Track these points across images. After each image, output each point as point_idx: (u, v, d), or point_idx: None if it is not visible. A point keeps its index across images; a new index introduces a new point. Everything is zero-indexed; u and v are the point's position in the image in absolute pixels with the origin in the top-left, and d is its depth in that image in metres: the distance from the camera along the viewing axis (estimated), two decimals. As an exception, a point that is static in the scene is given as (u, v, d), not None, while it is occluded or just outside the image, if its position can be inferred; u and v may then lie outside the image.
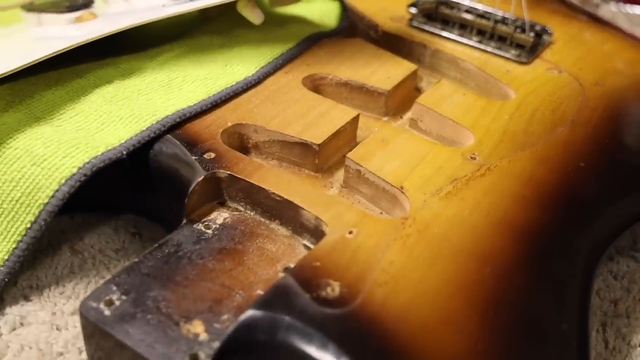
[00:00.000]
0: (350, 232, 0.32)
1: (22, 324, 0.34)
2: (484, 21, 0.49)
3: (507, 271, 0.31)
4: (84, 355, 0.33)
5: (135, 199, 0.40)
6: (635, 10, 0.69)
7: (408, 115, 0.43)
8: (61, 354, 0.33)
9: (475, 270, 0.31)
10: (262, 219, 0.35)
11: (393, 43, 0.50)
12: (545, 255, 0.33)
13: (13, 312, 0.35)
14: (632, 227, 0.42)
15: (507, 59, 0.47)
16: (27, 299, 0.35)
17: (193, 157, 0.36)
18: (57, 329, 0.34)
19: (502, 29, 0.48)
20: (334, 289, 0.29)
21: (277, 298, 0.29)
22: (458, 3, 0.51)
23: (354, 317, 0.28)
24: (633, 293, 0.39)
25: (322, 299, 0.29)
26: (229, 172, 0.35)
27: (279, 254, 0.34)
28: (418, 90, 0.47)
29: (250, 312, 0.28)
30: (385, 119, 0.44)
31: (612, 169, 0.39)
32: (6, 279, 0.34)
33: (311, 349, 0.27)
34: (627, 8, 0.69)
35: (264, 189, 0.34)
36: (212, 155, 0.36)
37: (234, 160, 0.36)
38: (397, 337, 0.28)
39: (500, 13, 0.50)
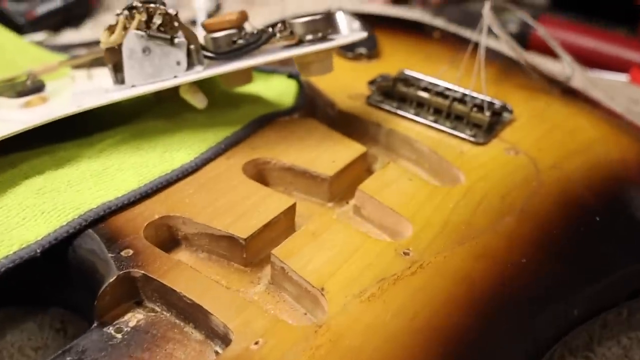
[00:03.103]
0: (256, 343, 0.29)
1: None
2: (440, 99, 0.46)
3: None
4: None
5: (62, 293, 0.38)
6: (609, 76, 0.66)
7: (353, 201, 0.41)
8: None
9: (386, 388, 0.28)
10: (177, 322, 0.33)
11: (349, 122, 0.48)
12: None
13: None
14: (587, 324, 0.39)
15: (463, 139, 0.45)
16: None
17: (109, 255, 0.34)
18: None
19: (459, 107, 0.46)
20: (225, 412, 0.27)
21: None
22: (418, 80, 0.48)
23: None
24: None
25: (209, 423, 0.26)
26: (142, 272, 0.33)
27: (187, 362, 0.31)
28: (370, 172, 0.45)
29: None
30: (330, 204, 0.42)
31: (557, 264, 0.36)
32: None
33: None
34: (599, 74, 0.67)
35: (175, 290, 0.32)
36: (130, 252, 0.34)
37: (152, 257, 0.34)
38: None
39: (461, 90, 0.47)
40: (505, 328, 0.33)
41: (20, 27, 0.66)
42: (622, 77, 0.67)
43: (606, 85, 0.64)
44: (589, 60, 0.70)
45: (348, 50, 0.55)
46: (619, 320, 0.41)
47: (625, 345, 0.39)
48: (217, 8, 0.76)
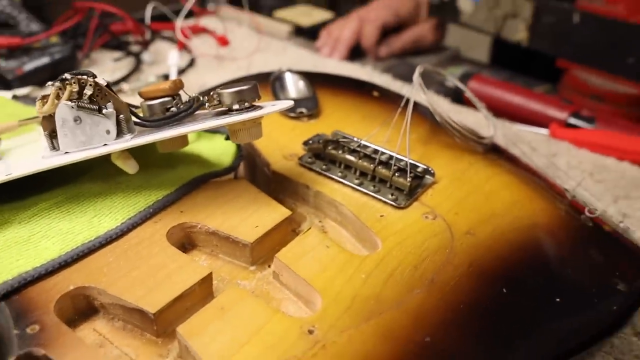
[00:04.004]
0: None
1: None
2: (365, 163, 0.41)
3: None
4: None
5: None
6: (532, 130, 0.60)
7: (272, 266, 0.35)
8: None
9: None
10: (76, 403, 0.27)
11: (282, 182, 0.42)
12: None
13: None
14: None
15: (385, 202, 0.39)
16: None
17: (15, 332, 0.28)
18: None
19: (382, 171, 0.40)
20: None
21: None
22: (348, 141, 0.43)
23: None
24: None
25: None
26: (43, 352, 0.27)
27: None
28: (296, 233, 0.39)
29: None
30: (253, 268, 0.36)
31: (462, 343, 0.30)
32: None
33: None
34: (523, 128, 0.61)
35: (73, 375, 0.27)
36: (37, 328, 0.29)
37: (56, 335, 0.28)
38: None
39: (388, 152, 0.42)
40: None
41: (9, 83, 0.61)
42: (543, 132, 0.62)
43: (528, 139, 0.58)
44: (514, 115, 0.65)
45: (290, 110, 0.49)
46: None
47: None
48: (191, 64, 0.71)
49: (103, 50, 0.72)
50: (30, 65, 0.62)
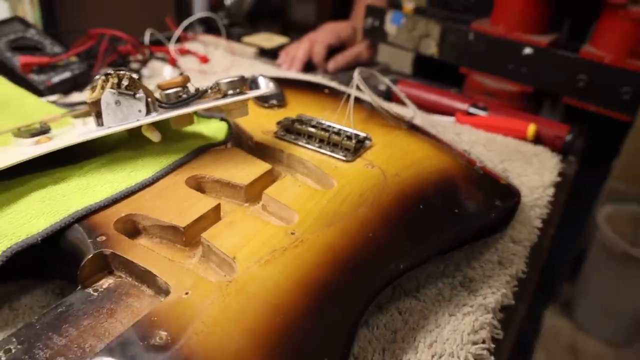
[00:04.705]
0: (187, 293, 0.31)
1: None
2: (323, 132, 0.49)
3: (295, 318, 0.31)
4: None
5: (60, 270, 0.39)
6: (443, 118, 0.70)
7: (261, 201, 0.43)
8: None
9: (271, 318, 0.30)
10: (136, 283, 0.35)
11: (262, 149, 0.50)
12: (328, 305, 0.32)
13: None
14: (417, 271, 0.42)
15: (337, 158, 0.48)
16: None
17: (89, 240, 0.35)
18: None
19: (335, 138, 0.49)
20: (161, 337, 0.28)
21: (118, 346, 0.28)
22: (309, 120, 0.51)
23: (173, 358, 0.27)
24: (409, 324, 0.38)
25: (151, 345, 0.28)
26: (111, 251, 0.35)
27: (142, 309, 0.33)
28: (274, 182, 0.47)
29: (96, 358, 0.27)
30: (247, 204, 0.44)
31: (392, 237, 0.39)
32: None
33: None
34: (437, 117, 0.71)
35: (134, 262, 0.34)
36: (104, 238, 0.36)
37: (118, 241, 0.36)
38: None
39: (338, 127, 0.51)
40: (356, 280, 0.35)
41: (41, 92, 0.66)
42: (451, 119, 0.72)
43: (440, 124, 0.68)
44: (430, 108, 0.74)
45: (264, 101, 0.57)
46: (437, 271, 0.44)
47: (440, 287, 0.42)
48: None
49: (111, 66, 0.78)
50: (56, 78, 0.68)
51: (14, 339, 0.30)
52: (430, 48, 0.81)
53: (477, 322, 0.39)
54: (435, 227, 0.41)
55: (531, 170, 0.61)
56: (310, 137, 0.50)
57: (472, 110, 0.72)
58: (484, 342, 0.38)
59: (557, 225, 0.84)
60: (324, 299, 0.33)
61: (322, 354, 0.29)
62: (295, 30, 0.90)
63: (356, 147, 0.49)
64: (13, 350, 0.29)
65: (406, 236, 0.39)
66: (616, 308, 1.72)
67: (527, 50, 0.72)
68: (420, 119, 0.65)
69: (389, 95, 0.76)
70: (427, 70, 0.96)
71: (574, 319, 1.85)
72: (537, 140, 0.68)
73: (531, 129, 0.67)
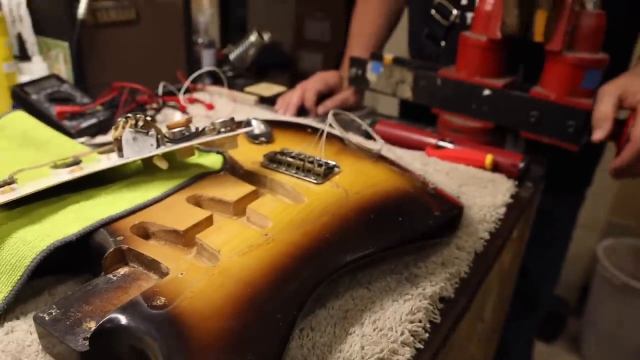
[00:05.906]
0: (182, 274, 0.43)
1: (12, 331, 0.44)
2: (299, 161, 0.61)
3: (261, 289, 0.42)
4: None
5: (87, 265, 0.50)
6: (414, 152, 0.81)
7: (246, 214, 0.54)
8: (29, 345, 0.42)
9: (242, 289, 0.41)
10: (145, 271, 0.46)
11: (250, 176, 0.62)
12: (287, 281, 0.43)
13: (7, 324, 0.44)
14: (371, 268, 0.52)
15: (309, 181, 0.59)
16: (17, 318, 0.45)
17: (110, 239, 0.47)
18: (31, 333, 0.44)
19: (308, 165, 0.60)
20: (161, 300, 0.39)
21: (129, 305, 0.39)
22: (289, 152, 0.63)
23: (169, 314, 0.38)
24: (359, 306, 0.48)
25: (153, 305, 0.39)
26: (127, 246, 0.46)
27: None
28: (259, 201, 0.58)
29: (112, 315, 0.38)
30: (235, 217, 0.55)
31: (343, 238, 0.50)
32: (5, 307, 0.44)
33: (142, 329, 0.37)
34: (409, 151, 0.82)
35: (143, 254, 0.45)
36: (121, 238, 0.47)
37: (132, 240, 0.47)
38: (191, 322, 0.38)
39: (312, 157, 0.62)
40: (311, 265, 0.45)
41: (72, 135, 0.79)
42: (422, 152, 0.83)
43: (412, 156, 0.80)
44: (405, 144, 0.85)
45: (255, 139, 0.70)
46: (388, 269, 0.54)
47: (388, 281, 0.52)
48: (189, 120, 0.91)
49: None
50: (84, 124, 0.82)
51: (55, 306, 0.41)
52: (406, 92, 0.93)
53: (415, 306, 0.49)
54: (379, 230, 0.52)
55: (486, 192, 0.72)
56: (289, 165, 0.62)
57: (441, 143, 0.83)
58: (420, 322, 0.48)
59: (527, 245, 0.94)
60: (284, 277, 0.43)
61: (279, 312, 0.40)
62: (304, 79, 1.03)
63: (325, 173, 0.60)
64: (54, 313, 0.40)
65: (355, 236, 0.50)
66: (621, 340, 1.76)
67: (486, 92, 0.84)
68: (392, 153, 0.77)
69: (369, 135, 0.88)
70: (411, 113, 1.08)
71: (582, 354, 1.88)
72: (496, 168, 0.79)
73: (489, 158, 0.78)
